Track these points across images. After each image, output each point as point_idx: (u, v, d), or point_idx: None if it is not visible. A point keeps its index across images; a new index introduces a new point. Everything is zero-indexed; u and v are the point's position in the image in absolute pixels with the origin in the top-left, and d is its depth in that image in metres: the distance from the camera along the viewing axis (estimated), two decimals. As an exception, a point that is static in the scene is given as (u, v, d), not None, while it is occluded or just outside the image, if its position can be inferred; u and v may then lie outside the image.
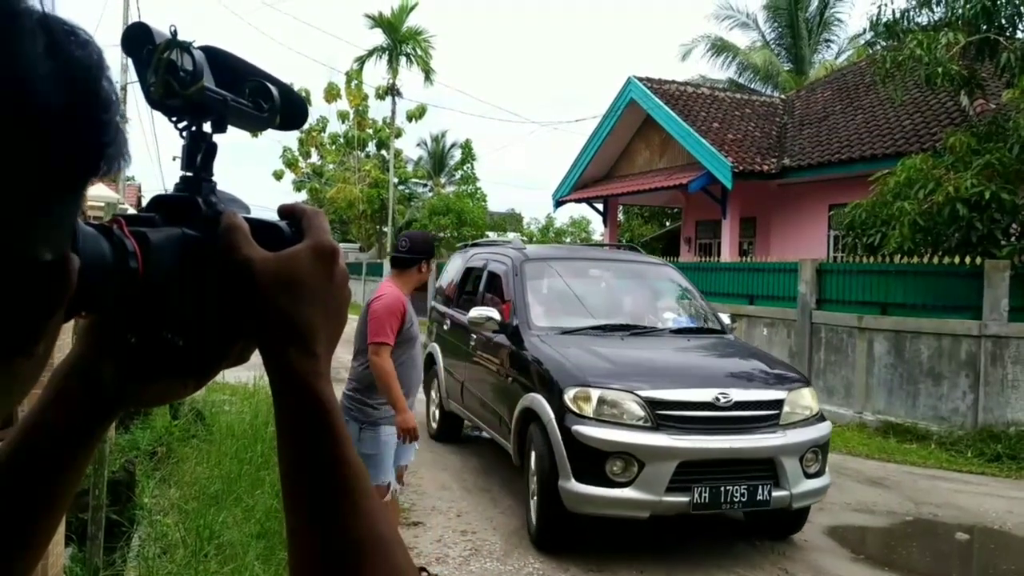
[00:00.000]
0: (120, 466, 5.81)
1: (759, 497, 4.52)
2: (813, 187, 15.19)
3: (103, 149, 0.42)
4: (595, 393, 4.59)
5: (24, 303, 0.39)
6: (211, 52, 0.59)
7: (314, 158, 38.71)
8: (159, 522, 5.16)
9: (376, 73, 59.88)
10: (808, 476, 4.74)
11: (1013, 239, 8.47)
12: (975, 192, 8.11)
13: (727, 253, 15.68)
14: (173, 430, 6.84)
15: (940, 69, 8.38)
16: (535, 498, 4.91)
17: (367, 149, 37.82)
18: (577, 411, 4.57)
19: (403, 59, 30.54)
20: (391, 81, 30.37)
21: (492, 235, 30.36)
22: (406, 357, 4.04)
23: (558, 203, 19.61)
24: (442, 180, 43.05)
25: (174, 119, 0.59)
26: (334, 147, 38.41)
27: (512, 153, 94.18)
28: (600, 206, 19.70)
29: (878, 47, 25.63)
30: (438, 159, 43.71)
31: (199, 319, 0.55)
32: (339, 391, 4.74)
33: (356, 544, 0.54)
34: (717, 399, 4.61)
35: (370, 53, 31.00)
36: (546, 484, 4.68)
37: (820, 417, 5.05)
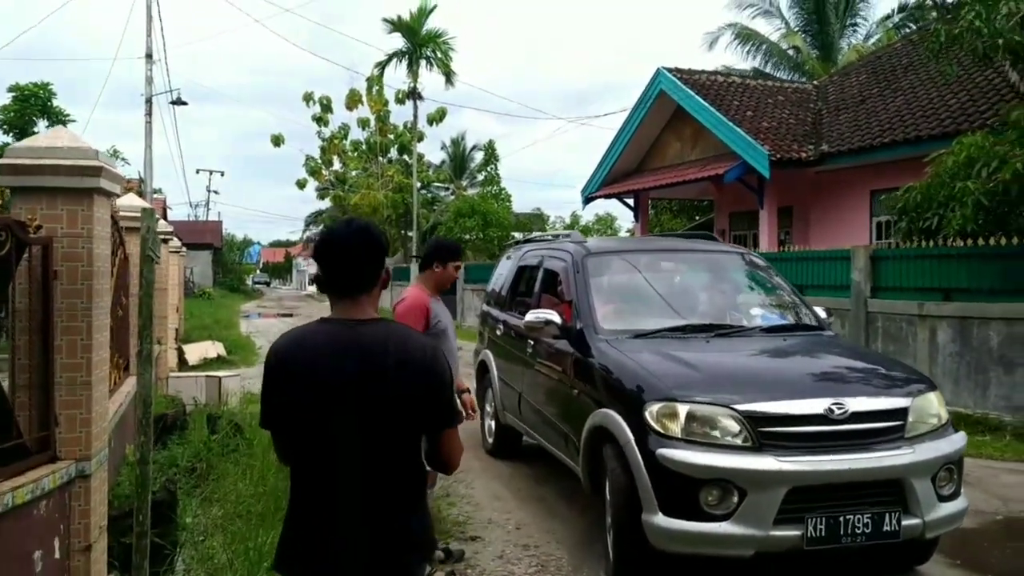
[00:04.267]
0: (161, 485, 5.53)
1: (886, 528, 3.83)
2: (853, 173, 14.68)
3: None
4: (682, 408, 3.94)
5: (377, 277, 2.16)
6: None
7: (336, 166, 38.56)
8: (203, 544, 4.89)
9: (397, 78, 59.69)
10: (942, 499, 4.02)
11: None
12: (1044, 168, 7.64)
13: (765, 244, 15.22)
14: (212, 445, 6.56)
15: (1001, 41, 7.89)
16: (612, 533, 4.28)
17: (389, 154, 37.63)
18: (661, 430, 3.94)
19: (423, 62, 30.30)
20: (412, 85, 30.13)
21: (518, 235, 30.03)
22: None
23: (588, 199, 19.25)
24: (463, 183, 42.84)
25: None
26: (356, 154, 38.27)
27: (535, 153, 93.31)
28: (631, 201, 19.28)
29: (909, 28, 25.03)
30: (459, 162, 43.51)
31: None
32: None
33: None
34: (830, 410, 3.91)
35: (390, 58, 30.82)
36: (626, 517, 4.06)
37: (951, 426, 4.35)
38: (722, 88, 16.90)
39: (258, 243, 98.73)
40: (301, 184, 38.69)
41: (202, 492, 5.81)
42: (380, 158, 36.55)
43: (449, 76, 30.53)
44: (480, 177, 42.03)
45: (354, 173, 38.06)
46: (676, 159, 17.58)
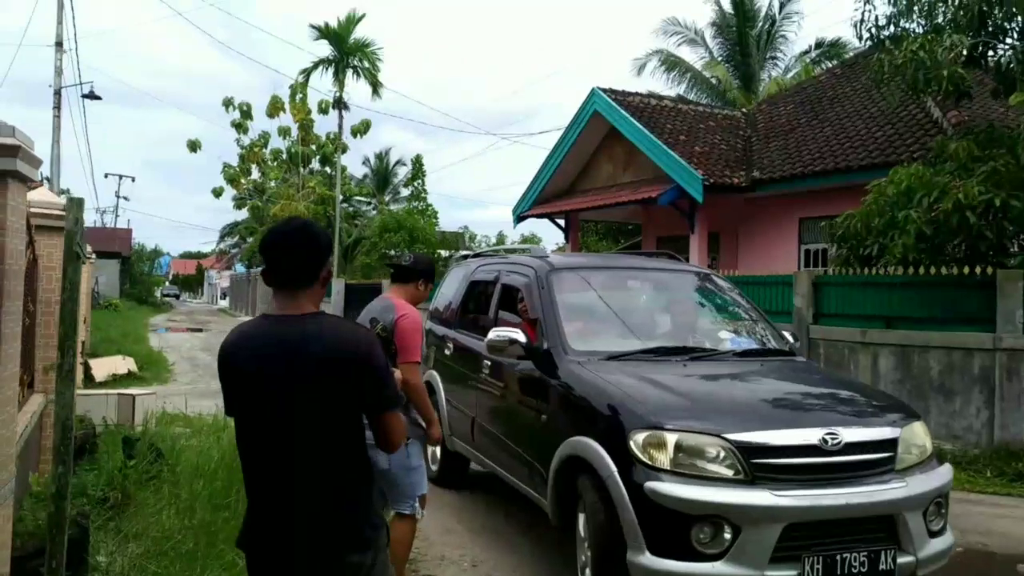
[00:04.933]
0: (71, 520, 4.91)
1: (882, 566, 3.62)
2: (782, 201, 14.92)
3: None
4: (671, 438, 3.67)
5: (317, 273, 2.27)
6: None
7: (255, 175, 37.38)
8: (120, 588, 4.32)
9: (322, 87, 58.40)
10: (932, 535, 3.87)
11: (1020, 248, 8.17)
12: (984, 199, 7.79)
13: (697, 268, 15.26)
14: (128, 472, 5.92)
15: (946, 72, 8.05)
16: (592, 574, 3.95)
17: (310, 165, 36.73)
18: (648, 462, 3.66)
19: (350, 72, 29.64)
20: (337, 94, 29.43)
21: (444, 252, 29.56)
22: None
23: (519, 218, 19.02)
24: (386, 198, 42.21)
25: None
26: (276, 163, 37.22)
27: (462, 172, 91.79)
28: (562, 221, 19.17)
29: (826, 63, 25.96)
30: (382, 176, 42.88)
31: None
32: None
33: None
34: (824, 441, 3.69)
35: (315, 65, 30.05)
36: (607, 557, 3.76)
37: (936, 458, 4.19)
38: (655, 111, 17.00)
39: (168, 254, 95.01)
40: (217, 193, 37.38)
41: (116, 525, 5.20)
42: (301, 169, 35.62)
43: (376, 87, 29.98)
44: (404, 192, 41.48)
45: (273, 183, 36.99)
46: (608, 181, 17.55)
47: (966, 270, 7.98)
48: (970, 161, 8.41)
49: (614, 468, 3.81)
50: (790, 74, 27.97)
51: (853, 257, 9.43)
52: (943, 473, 4.10)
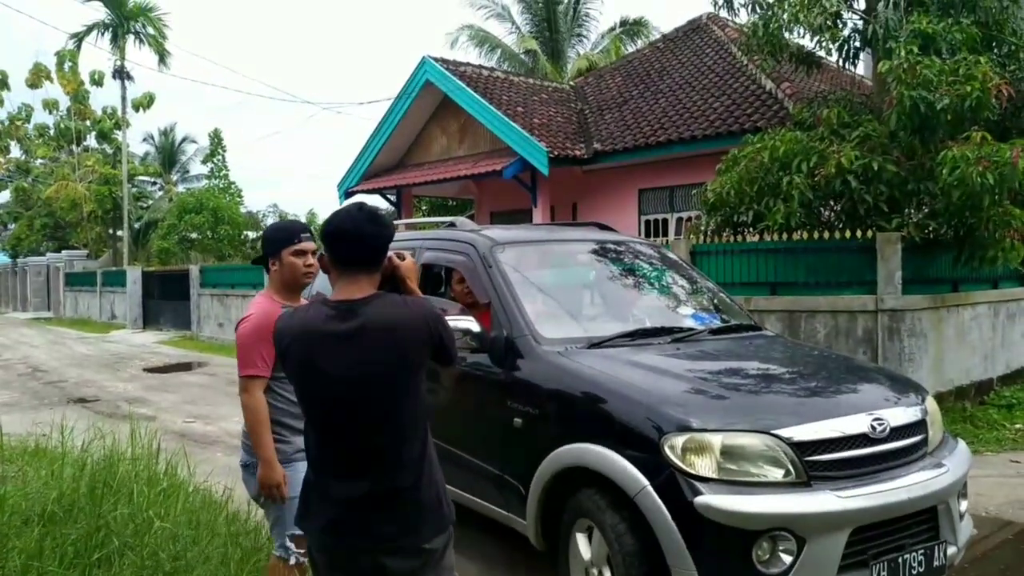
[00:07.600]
0: None
1: (936, 562, 3.26)
2: (621, 172, 14.86)
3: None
4: (715, 440, 3.05)
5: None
6: None
7: (15, 152, 32.69)
8: None
9: (98, 55, 51.98)
10: (962, 518, 3.54)
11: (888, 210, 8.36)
12: (861, 163, 7.87)
13: (540, 242, 14.87)
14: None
15: (828, 34, 8.04)
16: None
17: (85, 142, 32.67)
18: (690, 470, 3.04)
19: (131, 38, 26.36)
20: (119, 62, 26.10)
21: (252, 234, 27.25)
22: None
23: (347, 193, 17.69)
24: (174, 177, 38.66)
25: None
26: (41, 140, 32.79)
27: (265, 148, 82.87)
28: (393, 197, 18.12)
29: (631, 40, 26.67)
30: (167, 155, 39.15)
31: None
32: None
33: None
34: (872, 428, 3.23)
35: (89, 29, 26.41)
36: None
37: (950, 434, 3.87)
38: (489, 82, 16.36)
39: None
40: (-33, 174, 32.28)
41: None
42: (75, 147, 31.55)
43: (163, 56, 26.92)
44: (195, 171, 38.13)
45: (40, 162, 32.58)
46: (442, 154, 16.73)
47: (848, 234, 8.06)
48: (840, 127, 8.51)
49: (645, 481, 3.12)
50: (597, 49, 28.42)
51: (726, 225, 9.34)
52: (964, 449, 3.79)
